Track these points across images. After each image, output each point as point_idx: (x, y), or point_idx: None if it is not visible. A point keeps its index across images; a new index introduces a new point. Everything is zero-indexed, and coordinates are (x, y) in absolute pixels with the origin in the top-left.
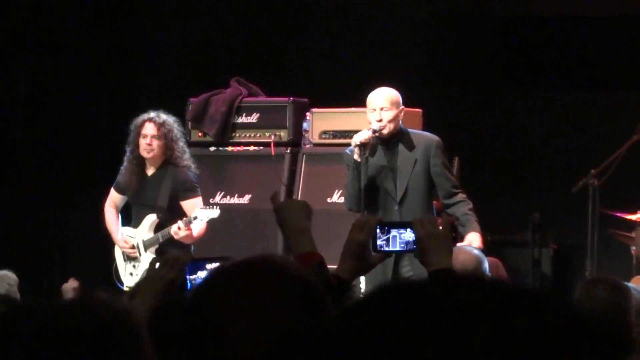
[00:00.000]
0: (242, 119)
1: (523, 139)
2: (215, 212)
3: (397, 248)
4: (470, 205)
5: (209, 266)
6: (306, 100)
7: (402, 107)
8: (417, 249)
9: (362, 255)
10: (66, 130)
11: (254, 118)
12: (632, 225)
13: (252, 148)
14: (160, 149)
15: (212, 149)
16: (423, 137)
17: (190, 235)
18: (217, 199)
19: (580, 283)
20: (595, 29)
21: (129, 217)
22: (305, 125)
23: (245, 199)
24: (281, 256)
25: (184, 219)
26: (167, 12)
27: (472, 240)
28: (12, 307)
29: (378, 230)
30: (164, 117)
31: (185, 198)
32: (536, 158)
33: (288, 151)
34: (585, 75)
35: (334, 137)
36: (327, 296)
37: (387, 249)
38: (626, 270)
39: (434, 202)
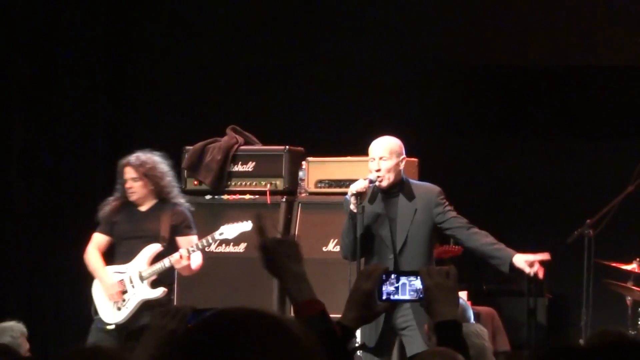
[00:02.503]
0: (238, 168)
1: (519, 189)
2: (247, 225)
3: (407, 297)
4: (491, 236)
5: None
6: (302, 149)
7: (403, 156)
8: (424, 299)
9: (367, 304)
10: (61, 176)
11: (249, 167)
12: (627, 275)
13: (247, 196)
14: (143, 188)
15: (208, 197)
16: (423, 187)
17: (189, 267)
18: (213, 247)
19: (589, 334)
20: (592, 80)
21: (110, 258)
22: (301, 174)
23: (241, 248)
24: (275, 312)
25: (188, 247)
26: (162, 61)
27: (526, 258)
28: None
29: (385, 279)
30: (143, 157)
31: (184, 234)
32: (532, 208)
33: (284, 200)
34: (581, 125)
35: (330, 186)
36: (322, 353)
37: (396, 297)
38: (621, 321)
39: (435, 250)
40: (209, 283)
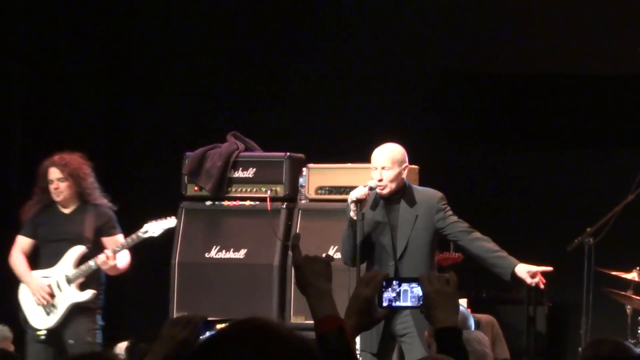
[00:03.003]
0: (239, 174)
1: (519, 197)
2: (171, 222)
3: (409, 303)
4: (493, 243)
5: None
6: (302, 155)
7: (406, 164)
8: (424, 306)
9: (367, 310)
10: None
11: (250, 173)
12: (627, 284)
13: (248, 203)
14: (69, 188)
15: (208, 203)
16: (425, 193)
17: (115, 267)
18: (213, 253)
19: (587, 343)
20: (593, 88)
21: (35, 262)
22: (301, 180)
23: (241, 254)
24: (277, 322)
25: (114, 247)
26: (163, 67)
27: (528, 269)
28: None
29: (385, 286)
30: (67, 157)
31: (109, 234)
32: (532, 216)
33: (284, 206)
34: (582, 133)
35: (330, 192)
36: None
37: (397, 303)
38: (621, 329)
39: (436, 257)
40: (209, 289)
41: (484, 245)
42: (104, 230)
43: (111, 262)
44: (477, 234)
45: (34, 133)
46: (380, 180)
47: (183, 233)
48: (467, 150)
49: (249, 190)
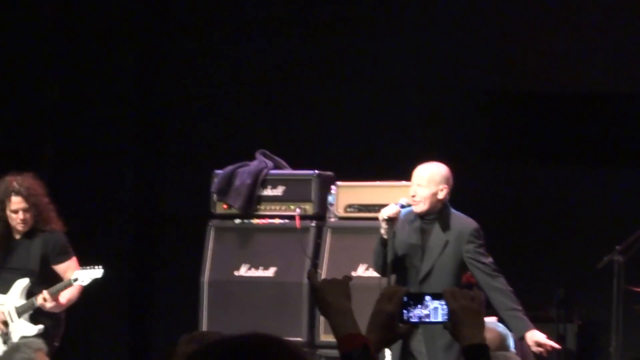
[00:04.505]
0: (268, 192)
1: (548, 214)
2: (98, 272)
3: (440, 319)
4: (513, 297)
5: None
6: (331, 173)
7: (444, 186)
8: (449, 322)
9: (390, 326)
10: (89, 200)
11: (279, 191)
12: None
13: (277, 221)
14: (32, 218)
15: (237, 221)
16: (460, 221)
17: (58, 305)
18: (242, 271)
19: None
20: (623, 105)
21: None
22: (330, 198)
23: (270, 272)
24: (279, 338)
25: (51, 288)
26: (192, 85)
27: (538, 339)
28: None
29: (407, 301)
30: (26, 184)
31: (58, 262)
32: (561, 233)
33: (313, 224)
34: (612, 150)
35: (359, 210)
36: None
37: (419, 319)
38: None
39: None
40: (239, 307)
41: (501, 300)
42: (51, 258)
43: (48, 305)
44: (498, 283)
45: (63, 153)
46: (413, 197)
47: (212, 251)
48: (495, 168)
49: (278, 208)
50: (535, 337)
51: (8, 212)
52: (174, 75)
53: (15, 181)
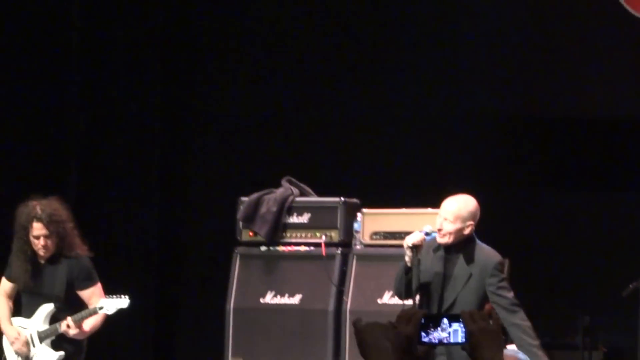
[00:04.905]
0: (293, 219)
1: (573, 241)
2: (124, 302)
3: (459, 340)
4: (531, 332)
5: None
6: (357, 200)
7: (471, 222)
8: (468, 344)
9: (409, 348)
10: (115, 226)
11: (305, 218)
12: None
13: (302, 248)
14: (54, 245)
15: (263, 248)
16: (484, 253)
17: (82, 332)
18: (268, 298)
19: None
20: None
21: (18, 307)
22: (356, 225)
23: (296, 299)
24: None
25: (75, 315)
26: (217, 113)
27: None
28: None
29: (425, 322)
30: (48, 209)
31: (83, 287)
32: (586, 260)
33: (339, 252)
34: (636, 176)
35: (385, 238)
36: None
37: (437, 340)
38: None
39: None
40: (264, 334)
41: (519, 336)
42: (77, 283)
43: (72, 332)
44: (517, 319)
45: (88, 178)
46: (439, 230)
47: (238, 278)
48: (519, 194)
49: (303, 235)
50: None
51: (31, 237)
52: (199, 101)
53: (38, 206)
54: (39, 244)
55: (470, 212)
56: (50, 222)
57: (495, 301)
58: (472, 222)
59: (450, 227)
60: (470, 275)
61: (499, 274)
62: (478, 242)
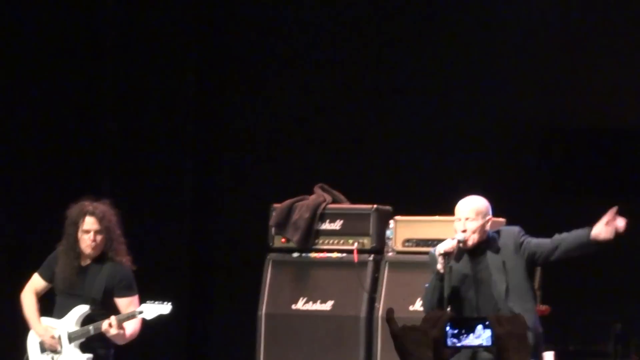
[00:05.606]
0: (326, 226)
1: (605, 249)
2: (166, 308)
3: (477, 343)
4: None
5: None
6: (390, 207)
7: (489, 217)
8: (495, 347)
9: (436, 351)
10: (148, 233)
11: (337, 225)
12: None
13: (335, 255)
14: (103, 242)
15: (295, 255)
16: (504, 234)
17: (122, 335)
18: (300, 304)
19: None
20: None
21: (47, 307)
22: (388, 232)
23: (328, 306)
24: None
25: (119, 315)
26: (250, 119)
27: (600, 223)
28: None
29: (451, 325)
30: (101, 207)
31: (121, 295)
32: (619, 267)
33: (371, 258)
34: None
35: (417, 245)
36: None
37: (464, 343)
38: None
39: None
40: (296, 341)
41: (562, 235)
42: (116, 290)
43: (113, 331)
44: (558, 236)
45: (121, 186)
46: (463, 231)
47: (270, 284)
48: (551, 201)
49: (336, 242)
50: (598, 226)
51: (80, 234)
52: (232, 109)
53: (90, 204)
54: (88, 239)
55: (487, 206)
56: (102, 219)
57: (536, 250)
58: (490, 217)
59: (474, 224)
60: (504, 262)
61: (524, 236)
62: (490, 232)
